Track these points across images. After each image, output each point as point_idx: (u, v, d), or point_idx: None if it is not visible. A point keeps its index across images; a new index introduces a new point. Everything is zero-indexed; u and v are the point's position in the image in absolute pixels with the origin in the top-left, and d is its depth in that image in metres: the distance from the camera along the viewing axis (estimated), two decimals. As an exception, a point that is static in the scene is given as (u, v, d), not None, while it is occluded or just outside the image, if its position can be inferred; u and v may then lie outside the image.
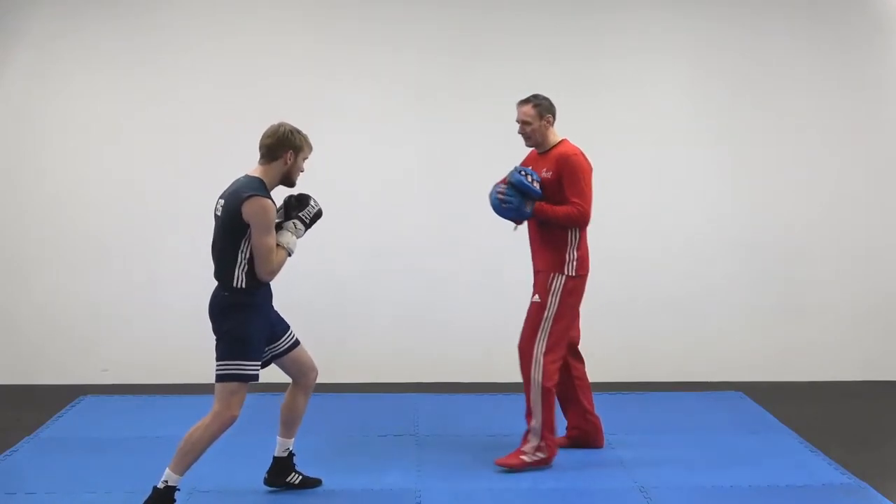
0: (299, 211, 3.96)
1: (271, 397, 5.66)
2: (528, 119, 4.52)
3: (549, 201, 4.44)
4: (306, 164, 3.97)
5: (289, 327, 4.11)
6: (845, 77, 6.13)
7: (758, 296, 6.17)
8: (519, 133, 4.57)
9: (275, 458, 4.22)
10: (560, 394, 4.71)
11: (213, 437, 3.85)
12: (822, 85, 6.13)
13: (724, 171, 6.15)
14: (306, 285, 5.83)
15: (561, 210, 4.42)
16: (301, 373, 4.12)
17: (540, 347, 4.49)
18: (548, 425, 4.48)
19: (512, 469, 4.45)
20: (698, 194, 6.14)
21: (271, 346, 4.02)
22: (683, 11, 6.08)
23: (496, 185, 4.47)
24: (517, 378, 5.98)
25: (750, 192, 6.15)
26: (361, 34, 6.01)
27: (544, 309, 4.48)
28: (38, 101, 5.98)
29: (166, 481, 3.82)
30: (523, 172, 4.42)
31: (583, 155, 4.50)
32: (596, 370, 6.03)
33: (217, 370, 3.85)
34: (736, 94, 6.11)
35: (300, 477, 4.22)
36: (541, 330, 4.49)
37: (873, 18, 6.13)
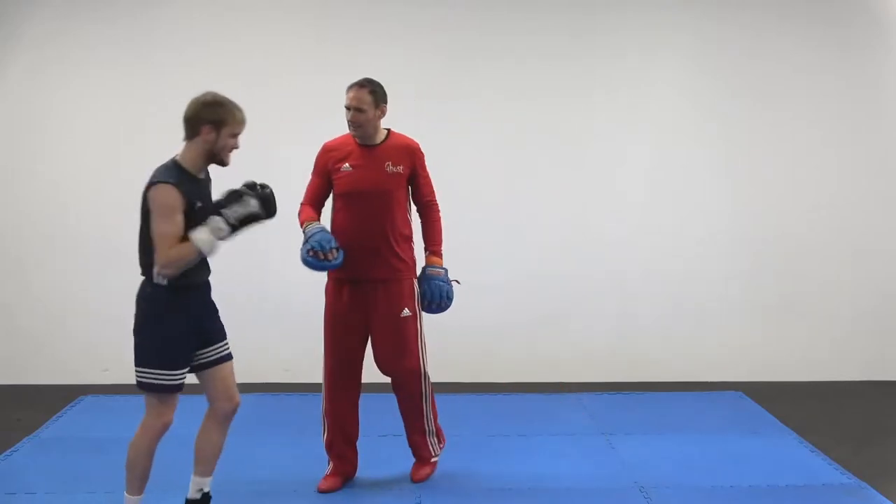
0: (229, 207, 3.44)
1: (271, 397, 5.68)
2: (364, 107, 4.03)
3: (383, 197, 4.07)
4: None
5: (225, 338, 3.67)
6: (845, 77, 6.12)
7: (758, 296, 6.17)
8: (349, 120, 4.07)
9: (187, 500, 3.75)
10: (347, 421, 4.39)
11: (150, 449, 3.55)
12: (822, 85, 6.13)
13: (724, 171, 6.15)
14: (306, 287, 5.81)
15: (440, 227, 4.22)
16: (218, 396, 3.70)
17: (424, 358, 4.22)
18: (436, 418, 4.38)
19: (428, 477, 4.35)
20: (698, 194, 6.14)
21: (202, 351, 3.60)
22: (682, 10, 6.07)
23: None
24: (517, 378, 6.03)
25: (750, 192, 6.15)
26: (361, 34, 6.01)
27: (417, 318, 4.19)
28: (37, 100, 5.97)
29: None
30: (308, 249, 3.94)
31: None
32: (596, 370, 6.07)
33: (137, 377, 3.49)
34: (735, 94, 6.10)
35: None
36: (420, 340, 4.20)
37: (874, 17, 6.12)
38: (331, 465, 4.31)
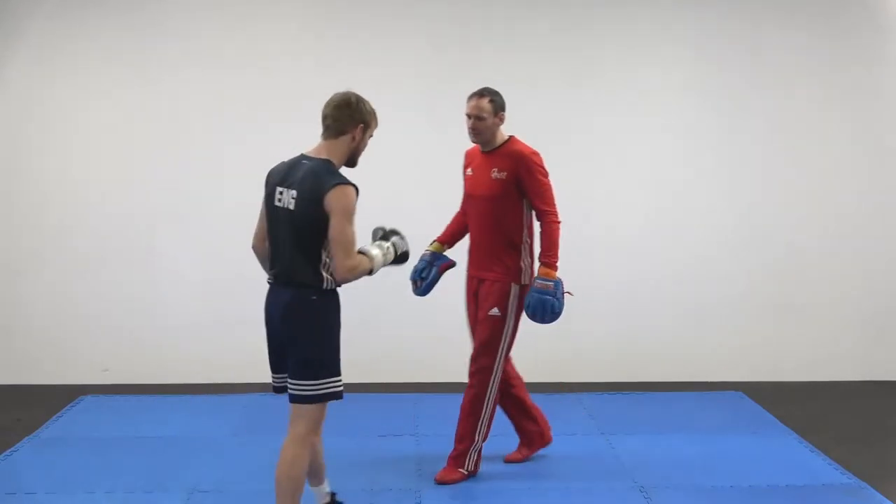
0: (393, 238, 3.61)
1: (270, 398, 5.66)
2: (483, 114, 4.23)
3: (490, 201, 4.25)
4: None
5: None
6: (846, 77, 6.11)
7: (758, 296, 6.17)
8: (469, 128, 4.27)
9: None
10: (508, 403, 4.55)
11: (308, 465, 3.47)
12: (823, 85, 6.12)
13: (724, 171, 6.14)
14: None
15: (551, 241, 4.21)
16: None
17: (500, 362, 4.31)
18: (486, 437, 4.37)
19: (450, 482, 4.32)
20: (698, 194, 6.14)
21: None
22: (683, 9, 6.07)
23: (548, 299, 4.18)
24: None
25: (750, 192, 6.14)
26: (362, 33, 6.00)
27: (505, 321, 4.27)
28: (36, 100, 5.96)
29: None
30: (415, 282, 4.51)
31: (538, 154, 4.26)
32: (596, 370, 6.07)
33: (313, 390, 3.37)
34: (736, 94, 6.09)
35: None
36: (502, 343, 4.29)
37: (875, 16, 6.12)
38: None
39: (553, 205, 4.26)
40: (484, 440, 4.37)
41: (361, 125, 3.45)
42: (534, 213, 4.30)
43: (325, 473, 3.77)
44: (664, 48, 6.10)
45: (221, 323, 6.03)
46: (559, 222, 4.24)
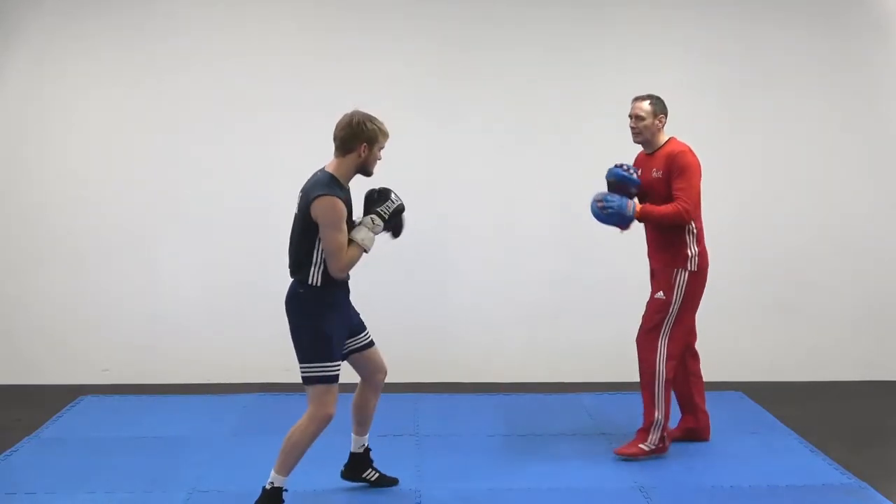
0: (379, 206, 3.88)
1: (270, 398, 5.68)
2: (643, 115, 4.60)
3: (656, 200, 4.58)
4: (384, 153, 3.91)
5: (365, 325, 4.10)
6: (846, 77, 6.11)
7: (758, 296, 6.17)
8: (631, 126, 4.66)
9: (351, 454, 4.25)
10: (677, 390, 4.84)
11: (312, 438, 3.85)
12: (824, 84, 6.12)
13: (724, 171, 6.12)
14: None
15: (664, 209, 4.51)
16: (372, 372, 4.13)
17: (664, 342, 4.60)
18: (667, 417, 4.63)
19: (631, 458, 4.61)
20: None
21: (350, 340, 4.00)
22: (684, 9, 6.07)
23: (594, 197, 4.60)
24: (517, 378, 6.03)
25: (750, 192, 6.14)
26: (363, 33, 6.01)
27: (669, 305, 4.59)
28: (36, 99, 5.96)
29: (272, 482, 3.84)
30: (621, 165, 4.61)
31: (692, 152, 4.58)
32: (596, 370, 6.07)
33: (302, 372, 3.84)
34: (736, 93, 6.09)
35: (377, 474, 4.26)
36: (665, 325, 4.60)
37: (875, 16, 6.12)
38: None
39: (689, 202, 4.50)
40: (666, 419, 4.62)
41: (366, 143, 3.80)
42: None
43: (369, 427, 4.23)
44: (664, 48, 6.09)
45: (221, 323, 6.04)
46: (686, 211, 4.49)
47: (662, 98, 4.64)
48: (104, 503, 4.13)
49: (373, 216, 3.86)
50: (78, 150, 6.01)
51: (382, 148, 3.87)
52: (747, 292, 6.16)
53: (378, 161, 3.89)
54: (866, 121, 6.14)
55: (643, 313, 4.71)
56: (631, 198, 4.60)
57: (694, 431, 4.89)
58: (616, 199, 4.54)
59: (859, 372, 6.17)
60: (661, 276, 4.64)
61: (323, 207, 3.69)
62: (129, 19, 5.94)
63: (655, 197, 4.61)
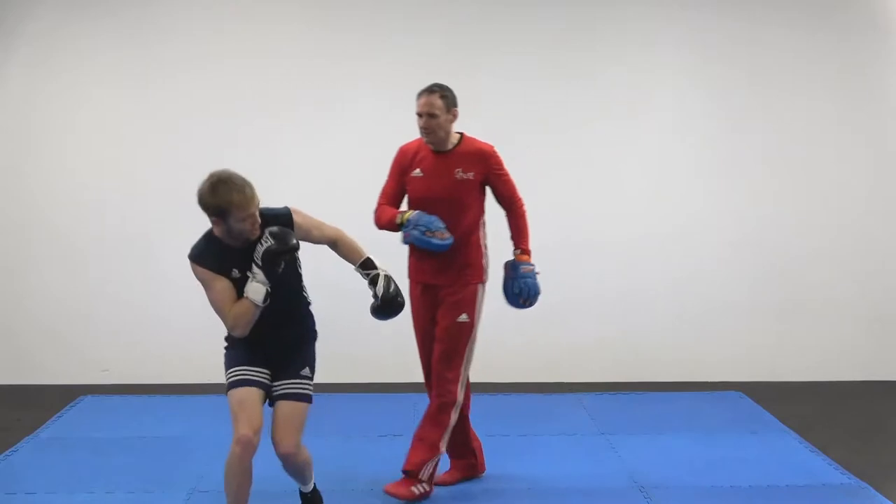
0: (258, 255, 3.47)
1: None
2: (437, 112, 4.00)
3: (457, 205, 4.04)
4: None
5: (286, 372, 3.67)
6: (846, 78, 6.11)
7: (758, 296, 6.17)
8: (421, 127, 4.04)
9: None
10: (456, 429, 4.28)
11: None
12: (824, 84, 6.12)
13: (724, 171, 6.14)
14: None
15: (525, 225, 4.17)
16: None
17: (466, 371, 4.18)
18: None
19: (400, 498, 4.11)
20: (698, 193, 6.14)
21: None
22: (684, 9, 6.07)
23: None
24: (517, 378, 6.03)
25: (750, 192, 6.14)
26: (364, 33, 6.00)
27: (473, 327, 4.12)
28: (36, 99, 5.97)
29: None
30: (424, 230, 3.97)
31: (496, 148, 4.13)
32: (596, 370, 6.07)
33: (308, 388, 3.68)
34: (736, 93, 6.09)
35: None
36: (468, 350, 4.14)
37: (875, 16, 6.12)
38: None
39: (518, 192, 4.18)
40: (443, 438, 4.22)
41: (214, 217, 3.46)
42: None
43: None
44: (665, 49, 6.09)
45: (221, 323, 6.02)
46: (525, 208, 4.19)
47: (451, 88, 4.09)
48: (104, 503, 4.13)
49: (253, 267, 3.47)
50: (78, 150, 6.01)
51: (245, 218, 3.40)
52: (747, 292, 6.16)
53: (252, 228, 3.44)
54: (868, 121, 6.14)
55: (437, 341, 4.13)
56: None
57: (473, 468, 4.40)
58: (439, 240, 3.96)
59: (859, 372, 6.17)
60: (460, 295, 4.07)
61: (192, 271, 3.55)
62: (129, 19, 5.95)
63: (456, 202, 4.04)
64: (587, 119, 6.07)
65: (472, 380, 5.95)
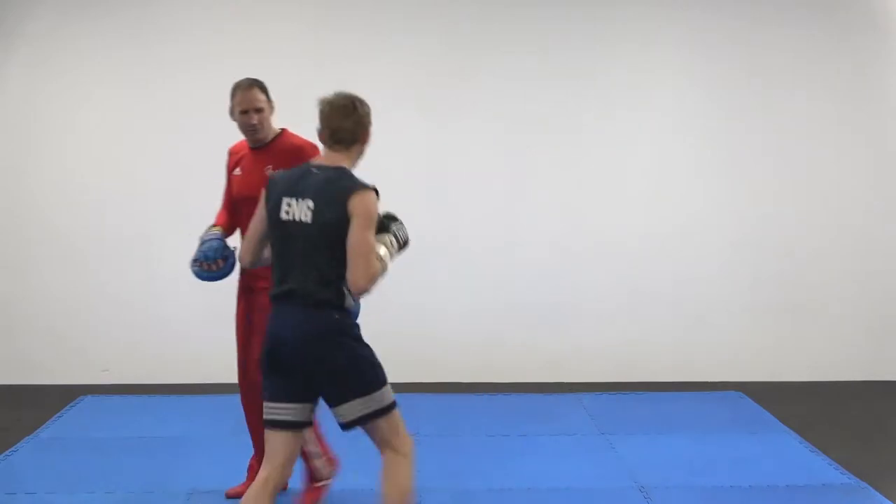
0: (396, 228, 3.23)
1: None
2: (262, 105, 3.78)
3: None
4: None
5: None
6: (846, 78, 6.11)
7: (758, 296, 6.16)
8: (249, 125, 3.80)
9: None
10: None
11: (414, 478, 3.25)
12: (824, 84, 6.12)
13: (724, 171, 6.14)
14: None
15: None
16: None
17: None
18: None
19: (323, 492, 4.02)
20: (698, 193, 6.14)
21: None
22: (684, 10, 6.07)
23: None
24: (517, 378, 6.03)
25: (750, 192, 6.14)
26: (363, 33, 6.00)
27: None
28: (36, 99, 5.96)
29: None
30: (201, 262, 3.81)
31: (317, 147, 3.44)
32: (596, 370, 6.07)
33: (373, 407, 3.17)
34: (737, 92, 6.09)
35: None
36: None
37: (875, 16, 6.12)
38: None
39: None
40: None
41: (367, 132, 3.19)
42: None
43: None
44: (665, 48, 6.09)
45: (221, 323, 6.00)
46: None
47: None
48: (104, 503, 4.13)
49: (392, 237, 3.19)
50: (78, 150, 6.01)
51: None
52: (747, 292, 6.16)
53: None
54: (868, 121, 6.14)
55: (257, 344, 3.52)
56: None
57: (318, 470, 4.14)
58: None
59: (859, 372, 6.17)
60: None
61: (367, 203, 3.00)
62: (129, 19, 5.94)
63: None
64: (587, 119, 6.07)
65: (472, 380, 6.01)
